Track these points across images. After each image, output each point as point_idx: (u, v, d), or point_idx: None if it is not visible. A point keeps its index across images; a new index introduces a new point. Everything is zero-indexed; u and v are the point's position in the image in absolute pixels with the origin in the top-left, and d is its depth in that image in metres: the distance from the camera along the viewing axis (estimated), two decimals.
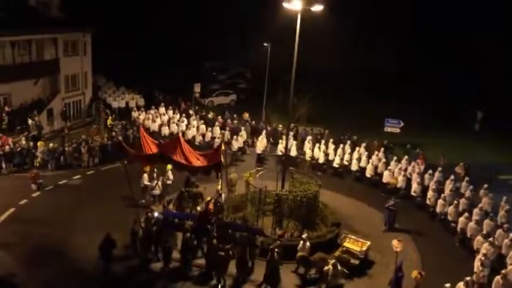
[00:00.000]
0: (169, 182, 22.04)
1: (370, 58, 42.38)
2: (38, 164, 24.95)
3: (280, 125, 31.31)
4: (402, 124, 30.58)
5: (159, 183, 21.39)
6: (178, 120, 31.09)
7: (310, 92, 32.70)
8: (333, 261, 15.78)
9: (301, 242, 16.92)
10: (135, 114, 32.90)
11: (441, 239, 20.17)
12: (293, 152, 27.88)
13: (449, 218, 20.54)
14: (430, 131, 34.58)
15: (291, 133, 29.39)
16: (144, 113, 32.67)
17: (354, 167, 26.18)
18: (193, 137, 29.64)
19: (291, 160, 27.43)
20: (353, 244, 17.71)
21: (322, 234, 18.84)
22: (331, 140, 27.99)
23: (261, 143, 28.32)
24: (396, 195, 23.27)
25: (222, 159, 18.14)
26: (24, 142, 25.73)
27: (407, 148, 28.83)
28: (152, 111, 32.26)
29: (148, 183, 21.29)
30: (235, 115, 33.47)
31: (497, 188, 23.36)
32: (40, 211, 20.42)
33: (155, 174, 21.40)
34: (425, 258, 18.44)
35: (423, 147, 29.01)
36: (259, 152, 28.08)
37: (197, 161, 17.91)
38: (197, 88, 37.13)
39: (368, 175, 25.54)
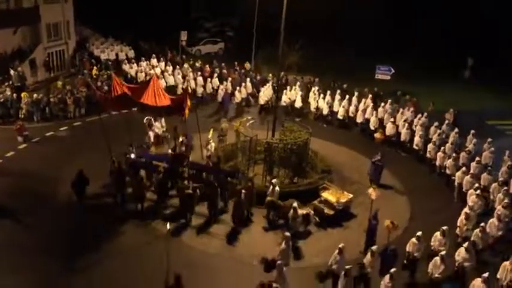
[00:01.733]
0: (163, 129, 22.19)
1: (364, 7, 41.21)
2: (23, 116, 24.47)
3: (270, 74, 30.84)
4: (393, 71, 30.27)
5: (150, 133, 21.21)
6: (172, 72, 29.92)
7: (300, 40, 32.04)
8: (294, 204, 15.88)
9: (271, 187, 17.06)
10: (125, 67, 31.40)
11: (438, 193, 19.58)
12: (298, 103, 27.42)
13: (448, 171, 19.97)
14: (420, 79, 34.32)
15: (298, 83, 28.86)
16: (135, 65, 31.18)
17: (359, 118, 25.51)
18: (194, 90, 28.60)
19: (296, 111, 27.31)
20: (331, 195, 17.57)
21: (314, 181, 19.00)
22: (338, 91, 27.24)
23: (265, 93, 27.74)
24: (398, 147, 23.18)
25: (188, 105, 18.42)
26: (9, 93, 25.12)
27: (397, 95, 28.68)
28: (144, 64, 31.11)
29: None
30: (223, 64, 32.80)
31: (486, 133, 23.51)
32: (27, 163, 20.15)
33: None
34: (416, 211, 18.13)
35: (413, 94, 28.87)
36: (263, 102, 27.54)
37: (164, 100, 18.39)
38: (184, 36, 35.96)
39: (372, 127, 24.59)
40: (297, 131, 19.69)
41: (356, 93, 26.93)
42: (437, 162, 20.80)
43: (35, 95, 25.21)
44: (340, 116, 26.08)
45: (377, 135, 22.29)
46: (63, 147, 21.88)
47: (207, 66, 32.11)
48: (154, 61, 31.84)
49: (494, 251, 15.30)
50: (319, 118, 26.94)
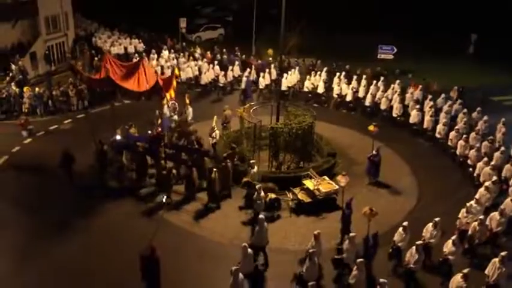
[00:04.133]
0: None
1: None
2: (26, 110, 24.46)
3: (270, 58, 30.60)
4: (395, 50, 29.97)
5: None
6: (188, 63, 29.40)
7: (301, 22, 31.67)
8: (258, 186, 15.97)
9: (249, 168, 17.40)
10: None
11: (456, 186, 18.41)
12: (320, 89, 26.94)
13: (470, 162, 18.89)
14: (423, 56, 34.02)
15: (325, 68, 28.22)
16: (147, 59, 29.68)
17: (383, 105, 24.61)
18: (214, 79, 28.40)
19: (317, 97, 27.00)
20: (311, 183, 17.20)
21: (318, 164, 18.99)
22: (364, 76, 26.58)
23: (288, 79, 27.28)
24: (423, 137, 22.47)
25: (173, 86, 18.87)
26: (14, 88, 25.19)
27: (396, 74, 28.42)
28: (155, 57, 30.20)
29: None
30: (224, 50, 32.55)
31: (491, 109, 23.31)
32: (33, 157, 20.16)
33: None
34: (424, 206, 17.30)
35: (416, 73, 28.61)
36: (285, 88, 27.00)
37: (151, 81, 18.57)
38: (183, 23, 35.47)
39: (394, 115, 23.86)
40: (301, 115, 19.59)
41: (382, 78, 26.07)
42: (458, 151, 19.75)
43: (37, 89, 25.20)
44: (367, 103, 25.28)
45: (370, 127, 20.60)
46: (67, 140, 21.65)
47: (208, 53, 31.87)
48: (165, 53, 31.13)
49: (496, 246, 14.46)
50: (341, 105, 26.29)
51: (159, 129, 19.62)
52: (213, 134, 20.21)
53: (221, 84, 28.20)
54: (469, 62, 34.53)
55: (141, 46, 33.97)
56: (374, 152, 18.72)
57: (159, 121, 20.43)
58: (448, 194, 17.91)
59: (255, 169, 17.33)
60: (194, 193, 17.49)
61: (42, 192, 17.78)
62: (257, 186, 15.96)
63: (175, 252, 14.35)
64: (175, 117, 21.99)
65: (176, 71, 20.99)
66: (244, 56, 31.78)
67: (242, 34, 37.03)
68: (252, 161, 17.69)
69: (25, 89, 25.13)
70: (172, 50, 31.89)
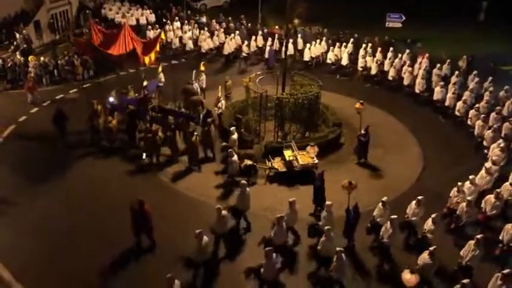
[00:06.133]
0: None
1: None
2: (32, 80, 24.37)
3: (277, 26, 30.13)
4: (404, 18, 29.41)
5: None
6: (202, 35, 28.80)
7: None
8: (230, 150, 16.29)
9: (230, 134, 17.62)
10: (150, 33, 29.11)
11: (469, 167, 16.87)
12: (344, 61, 26.39)
13: (485, 143, 17.92)
14: (432, 24, 33.31)
15: (351, 39, 27.30)
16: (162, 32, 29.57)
17: (406, 80, 23.65)
18: (237, 49, 28.05)
19: (342, 70, 26.60)
20: (289, 154, 17.19)
21: (325, 134, 19.00)
22: (391, 48, 25.53)
23: (312, 50, 26.90)
24: (442, 115, 21.74)
25: (156, 50, 19.76)
26: (19, 57, 25.10)
27: (407, 43, 27.92)
28: (170, 27, 29.54)
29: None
30: (229, 18, 32.05)
31: (500, 79, 22.94)
32: (40, 126, 20.26)
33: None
34: (425, 183, 16.92)
35: (425, 41, 28.08)
36: (307, 59, 26.77)
37: (134, 46, 19.17)
38: None
39: (417, 90, 22.95)
40: (307, 85, 19.46)
41: (407, 51, 25.34)
42: (475, 131, 18.81)
43: (42, 58, 25.08)
44: (390, 77, 24.43)
45: (357, 105, 19.44)
46: (73, 109, 21.74)
47: (213, 21, 31.40)
48: (177, 24, 30.36)
49: (486, 227, 14.09)
50: (367, 78, 25.46)
51: (146, 92, 20.02)
52: (219, 104, 20.18)
53: (245, 55, 27.80)
54: (479, 30, 33.78)
55: (153, 17, 33.13)
56: (363, 131, 17.90)
57: (145, 83, 20.77)
58: (457, 175, 16.46)
59: (235, 135, 17.54)
60: (178, 155, 18.00)
61: (45, 158, 18.33)
62: (229, 150, 16.21)
63: (156, 209, 14.57)
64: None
65: (162, 35, 21.49)
66: (250, 25, 31.31)
67: (248, 1, 36.34)
68: (231, 128, 17.78)
69: (30, 58, 25.02)
70: (186, 22, 31.12)
